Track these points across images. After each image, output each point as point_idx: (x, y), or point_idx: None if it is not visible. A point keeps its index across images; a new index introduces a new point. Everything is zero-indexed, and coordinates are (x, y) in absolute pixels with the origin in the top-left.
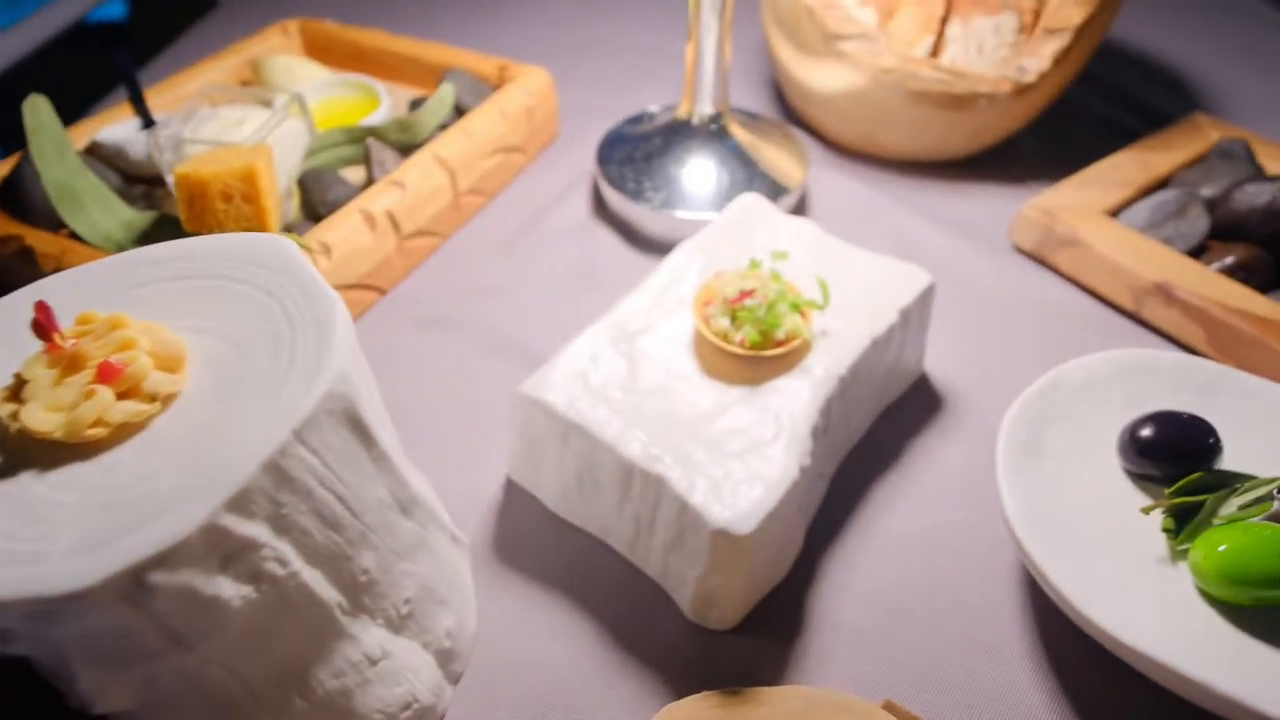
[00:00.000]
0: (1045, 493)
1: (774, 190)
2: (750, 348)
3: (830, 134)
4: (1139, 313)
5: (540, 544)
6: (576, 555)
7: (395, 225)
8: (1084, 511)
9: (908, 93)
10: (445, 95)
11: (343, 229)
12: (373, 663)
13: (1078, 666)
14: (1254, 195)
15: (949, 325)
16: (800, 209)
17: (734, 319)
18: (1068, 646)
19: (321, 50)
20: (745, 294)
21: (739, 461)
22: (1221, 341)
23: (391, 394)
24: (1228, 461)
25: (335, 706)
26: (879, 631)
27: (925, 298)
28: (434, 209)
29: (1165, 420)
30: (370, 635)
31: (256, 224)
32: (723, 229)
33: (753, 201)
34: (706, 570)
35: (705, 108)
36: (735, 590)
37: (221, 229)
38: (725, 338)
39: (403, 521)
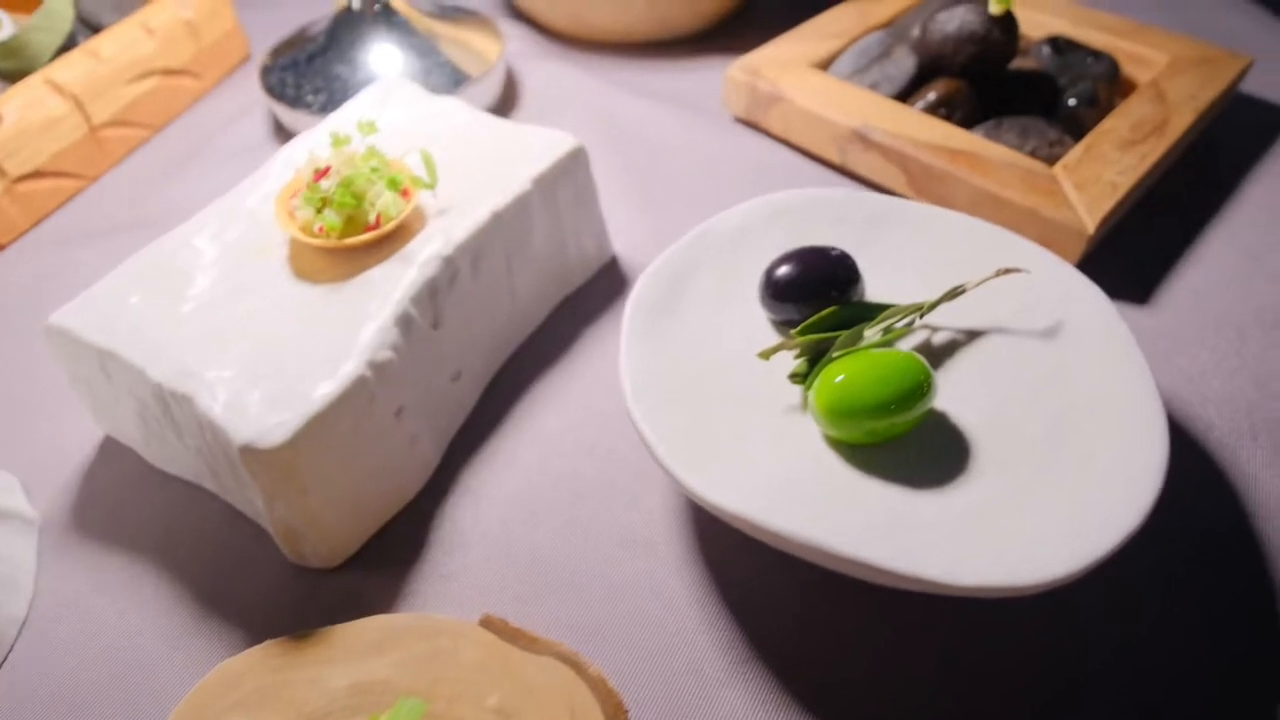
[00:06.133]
0: (674, 355)
1: (456, 79)
2: (335, 236)
3: (542, 20)
4: (844, 164)
5: (136, 504)
6: (176, 508)
7: None
8: (714, 371)
9: None
10: (58, 8)
11: None
12: None
13: (723, 552)
14: (944, 22)
15: (658, 205)
16: (505, 101)
17: (317, 208)
18: (714, 532)
19: None
20: (320, 174)
21: (295, 365)
22: (919, 181)
23: None
24: (880, 294)
25: None
26: (509, 540)
27: (571, 164)
28: (55, 145)
29: (800, 256)
30: None
31: None
32: (344, 118)
33: (393, 87)
34: (266, 500)
35: None
36: (315, 520)
37: None
38: (309, 230)
39: None
